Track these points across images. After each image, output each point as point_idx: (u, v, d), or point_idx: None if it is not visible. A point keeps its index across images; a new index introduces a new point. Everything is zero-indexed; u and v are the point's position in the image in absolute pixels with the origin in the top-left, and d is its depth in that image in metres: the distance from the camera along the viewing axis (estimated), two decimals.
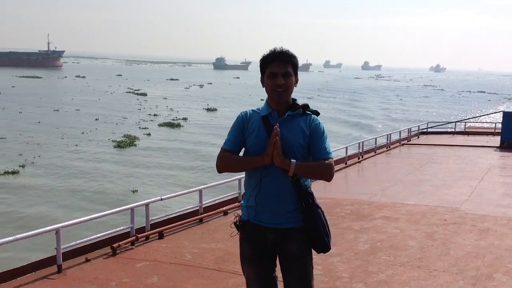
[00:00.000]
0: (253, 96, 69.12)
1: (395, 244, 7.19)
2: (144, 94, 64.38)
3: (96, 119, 39.53)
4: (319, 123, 3.32)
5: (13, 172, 21.05)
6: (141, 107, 49.73)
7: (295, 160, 3.14)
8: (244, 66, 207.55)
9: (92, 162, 24.41)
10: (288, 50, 3.30)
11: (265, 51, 3.33)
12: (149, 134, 33.35)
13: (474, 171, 13.70)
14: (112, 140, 30.18)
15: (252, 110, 3.40)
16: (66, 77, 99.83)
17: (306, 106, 3.33)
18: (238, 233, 3.40)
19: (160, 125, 38.07)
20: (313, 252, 3.35)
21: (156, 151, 28.05)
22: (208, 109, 49.84)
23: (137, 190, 19.15)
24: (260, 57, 3.33)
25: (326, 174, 3.28)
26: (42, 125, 35.88)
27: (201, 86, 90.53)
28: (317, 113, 3.36)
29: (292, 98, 3.34)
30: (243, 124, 3.33)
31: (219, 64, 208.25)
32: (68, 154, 25.96)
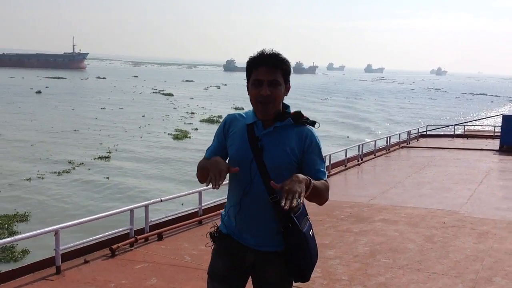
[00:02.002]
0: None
1: (394, 247, 7.19)
2: (171, 95, 66.60)
3: (143, 116, 42.26)
4: (316, 137, 2.83)
5: (105, 157, 24.44)
6: (175, 106, 52.37)
7: (313, 181, 2.64)
8: None
9: (164, 150, 27.62)
10: (279, 54, 2.76)
11: (253, 52, 2.83)
12: (196, 129, 36.25)
13: (473, 174, 13.70)
14: (168, 134, 33.33)
15: (239, 114, 2.93)
16: (87, 78, 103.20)
17: (298, 115, 2.83)
18: (213, 245, 3.01)
19: (201, 121, 40.87)
20: None
21: (210, 141, 30.26)
22: (236, 108, 51.37)
23: None
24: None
25: (326, 199, 2.83)
26: (100, 120, 38.79)
27: (218, 87, 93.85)
28: (313, 124, 2.86)
29: (284, 104, 2.85)
30: (225, 130, 2.90)
31: (229, 66, 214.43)
32: (139, 143, 29.27)
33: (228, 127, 2.90)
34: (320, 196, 2.73)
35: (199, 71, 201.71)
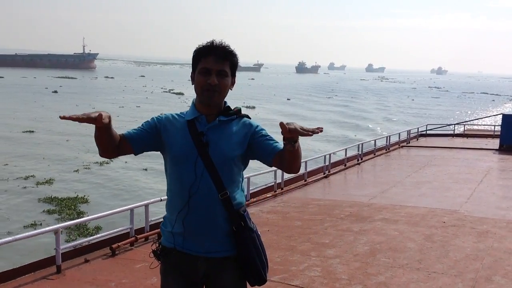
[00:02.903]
0: (278, 95, 73.16)
1: (394, 246, 7.19)
2: (181, 94, 67.06)
3: (160, 114, 41.74)
4: (256, 123, 2.81)
5: None
6: (188, 104, 51.59)
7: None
8: (257, 68, 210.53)
9: None
10: (228, 46, 2.74)
11: (200, 43, 2.78)
12: None
13: (473, 174, 13.70)
14: None
15: (175, 113, 2.84)
16: (96, 77, 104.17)
17: (239, 111, 2.82)
18: (159, 264, 2.84)
19: None
20: None
21: None
22: (247, 107, 52.19)
23: None
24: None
25: (298, 168, 2.71)
26: (123, 118, 38.98)
27: None
28: (248, 117, 2.85)
29: (224, 101, 2.81)
30: (159, 124, 2.78)
31: None
32: None
33: (164, 124, 2.78)
34: (300, 156, 2.60)
35: None
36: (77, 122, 2.40)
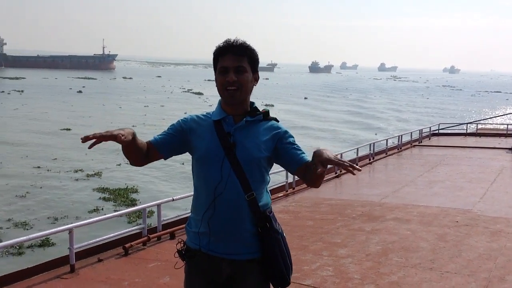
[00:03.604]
0: (294, 95, 74.92)
1: (406, 246, 7.17)
2: (201, 93, 68.20)
3: (185, 113, 45.83)
4: (284, 128, 2.77)
5: None
6: (210, 104, 53.85)
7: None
8: (270, 68, 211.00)
9: None
10: (244, 42, 2.72)
11: (220, 43, 2.77)
12: None
13: (486, 173, 13.62)
14: None
15: (201, 114, 2.83)
16: (115, 78, 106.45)
17: (267, 113, 2.78)
18: (184, 265, 2.83)
19: None
20: None
21: None
22: (266, 105, 53.01)
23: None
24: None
25: (320, 182, 2.71)
26: (150, 116, 41.14)
27: None
28: (277, 120, 2.82)
29: (251, 102, 2.79)
30: (185, 126, 2.76)
31: None
32: None
33: (190, 125, 2.76)
34: (320, 177, 2.59)
35: None
36: (101, 140, 2.43)
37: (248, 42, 2.74)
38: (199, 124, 2.75)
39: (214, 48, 2.75)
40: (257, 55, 2.76)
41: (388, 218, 8.78)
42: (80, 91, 65.28)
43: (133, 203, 16.13)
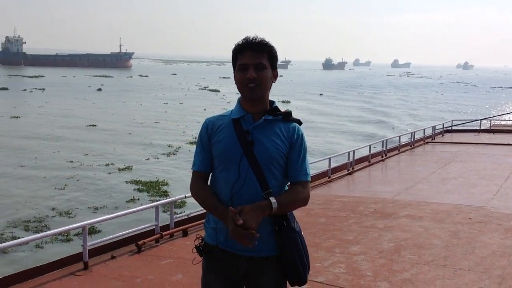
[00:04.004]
0: (309, 92, 76.82)
1: (419, 243, 7.14)
2: (217, 91, 69.37)
3: (204, 109, 45.17)
4: (303, 134, 2.78)
5: (194, 142, 25.03)
6: (227, 101, 54.72)
7: (274, 200, 2.60)
8: (284, 65, 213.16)
9: None
10: (263, 39, 2.73)
11: (239, 40, 2.78)
12: None
13: (500, 170, 13.51)
14: None
15: (219, 115, 2.84)
16: (131, 76, 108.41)
17: (288, 114, 2.79)
18: (202, 260, 2.87)
19: None
20: None
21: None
22: (283, 101, 54.45)
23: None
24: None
25: (305, 203, 2.77)
26: (171, 113, 42.83)
27: None
28: (299, 122, 2.82)
29: (271, 101, 2.81)
30: (208, 135, 2.78)
31: None
32: None
33: (211, 129, 2.78)
34: (293, 207, 2.74)
35: (230, 68, 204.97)
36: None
37: (267, 39, 2.75)
38: (218, 124, 2.77)
39: (233, 46, 2.75)
40: (276, 52, 2.77)
41: (401, 215, 8.74)
42: (99, 89, 66.87)
43: (165, 194, 17.31)
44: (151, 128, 34.02)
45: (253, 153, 2.66)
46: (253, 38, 2.72)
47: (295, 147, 2.74)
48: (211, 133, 2.77)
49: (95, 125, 34.31)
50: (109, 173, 20.83)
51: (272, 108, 2.78)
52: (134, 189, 18.09)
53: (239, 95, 2.82)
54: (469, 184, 11.65)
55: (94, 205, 16.01)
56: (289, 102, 56.48)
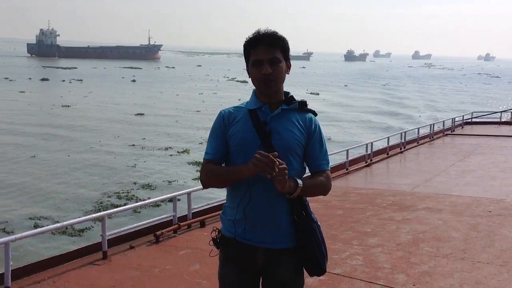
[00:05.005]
0: (335, 83, 77.00)
1: (438, 236, 7.10)
2: (245, 82, 69.14)
3: (239, 99, 45.23)
4: (319, 124, 2.80)
5: None
6: None
7: (300, 182, 2.61)
8: (306, 56, 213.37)
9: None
10: (275, 32, 2.70)
11: (250, 34, 2.75)
12: None
13: None
14: None
15: (234, 106, 2.83)
16: (159, 67, 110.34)
17: (304, 103, 2.80)
18: (219, 253, 2.86)
19: None
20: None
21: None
22: (312, 93, 54.96)
23: None
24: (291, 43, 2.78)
25: (326, 192, 2.78)
26: (208, 102, 44.46)
27: None
28: (315, 113, 2.83)
29: (285, 92, 2.81)
30: (224, 125, 2.75)
31: None
32: None
33: (227, 120, 2.76)
34: (315, 193, 2.74)
35: None
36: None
37: (278, 31, 2.71)
38: (234, 115, 2.76)
39: (244, 40, 2.74)
40: (288, 43, 2.75)
41: (419, 208, 8.69)
42: (134, 80, 68.83)
43: None
44: (197, 115, 36.32)
45: (271, 144, 2.65)
46: (264, 31, 2.69)
47: (315, 137, 2.75)
48: (227, 124, 2.75)
49: (142, 114, 36.39)
50: (170, 155, 22.90)
51: (288, 98, 2.78)
52: (197, 170, 18.94)
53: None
54: (489, 177, 11.53)
55: (161, 185, 17.60)
56: (318, 94, 56.67)
